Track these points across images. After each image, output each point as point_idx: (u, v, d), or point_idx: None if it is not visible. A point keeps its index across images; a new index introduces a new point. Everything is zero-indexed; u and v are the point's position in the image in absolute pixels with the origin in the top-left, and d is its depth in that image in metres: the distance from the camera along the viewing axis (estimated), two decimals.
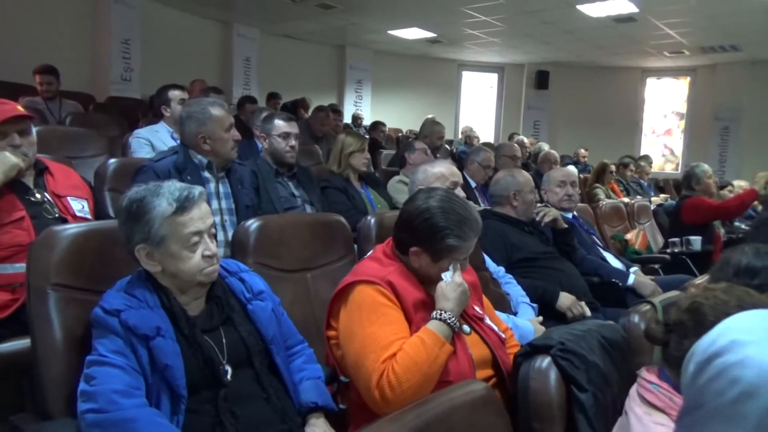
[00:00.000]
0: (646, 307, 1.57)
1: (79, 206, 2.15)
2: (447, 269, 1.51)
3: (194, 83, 6.06)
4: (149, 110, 6.40)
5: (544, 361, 1.23)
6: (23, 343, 1.80)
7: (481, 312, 1.63)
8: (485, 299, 1.75)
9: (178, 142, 3.69)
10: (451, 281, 1.47)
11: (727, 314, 0.66)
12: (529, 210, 2.79)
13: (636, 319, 1.54)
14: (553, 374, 1.21)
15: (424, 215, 1.51)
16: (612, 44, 9.33)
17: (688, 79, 10.93)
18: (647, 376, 1.27)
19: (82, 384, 1.19)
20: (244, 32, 9.23)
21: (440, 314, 1.43)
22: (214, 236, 1.39)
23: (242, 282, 1.46)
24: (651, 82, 11.31)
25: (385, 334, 1.39)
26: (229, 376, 1.29)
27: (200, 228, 1.31)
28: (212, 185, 2.43)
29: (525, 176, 2.84)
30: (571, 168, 5.45)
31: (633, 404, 1.24)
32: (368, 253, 1.72)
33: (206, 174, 2.42)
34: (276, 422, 1.29)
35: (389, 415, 0.91)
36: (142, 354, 1.21)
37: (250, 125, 4.37)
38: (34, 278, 1.41)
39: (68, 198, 2.13)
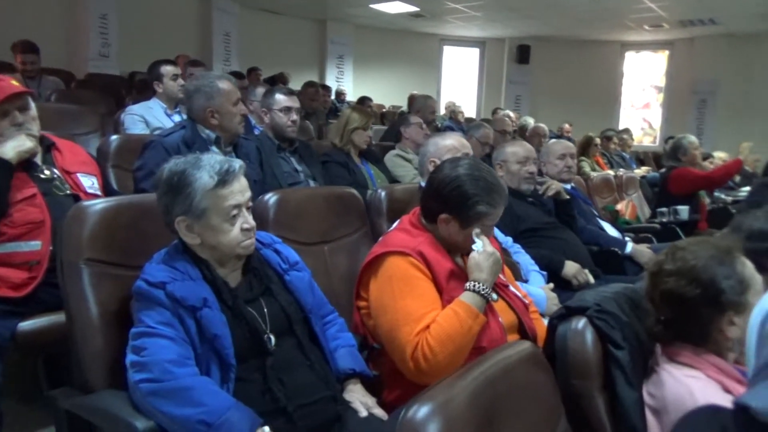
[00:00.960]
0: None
1: (89, 182, 2.12)
2: (473, 237, 1.54)
3: (178, 58, 5.93)
4: (131, 87, 6.27)
5: (580, 322, 1.28)
6: (45, 320, 1.81)
7: (505, 279, 1.67)
8: (505, 267, 1.79)
9: (172, 118, 3.70)
10: (483, 251, 1.50)
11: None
12: (516, 180, 2.79)
13: None
14: (589, 334, 1.26)
15: (454, 183, 1.53)
16: (592, 18, 9.37)
17: (667, 52, 11.07)
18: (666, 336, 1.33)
19: (132, 355, 1.20)
20: (224, 6, 9.04)
21: (474, 285, 1.46)
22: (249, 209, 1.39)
23: (277, 253, 1.48)
24: (630, 56, 11.43)
25: (417, 307, 1.43)
26: (273, 345, 1.31)
27: (240, 201, 1.32)
28: None
29: (514, 148, 2.85)
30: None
31: (662, 362, 1.29)
32: (394, 225, 1.74)
33: (214, 149, 2.40)
34: (321, 388, 1.32)
35: (453, 374, 0.94)
36: (190, 325, 1.22)
37: (242, 100, 4.31)
38: (66, 254, 1.41)
39: (78, 174, 2.10)
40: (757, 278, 1.28)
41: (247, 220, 1.34)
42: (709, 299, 1.22)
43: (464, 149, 2.32)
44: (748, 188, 6.20)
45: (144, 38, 7.58)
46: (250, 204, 1.39)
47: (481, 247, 1.51)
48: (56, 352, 1.98)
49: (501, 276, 1.69)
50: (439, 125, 7.58)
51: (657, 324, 1.32)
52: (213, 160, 1.31)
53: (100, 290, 1.40)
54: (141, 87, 5.47)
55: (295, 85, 7.88)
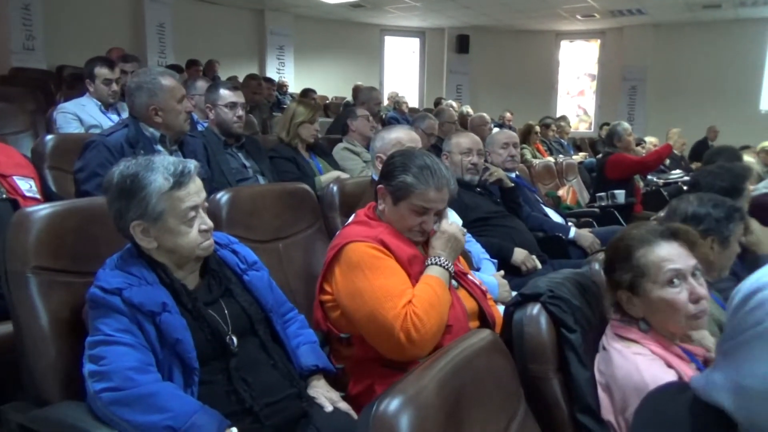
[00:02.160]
0: (603, 255, 1.71)
1: (27, 185, 2.03)
2: (407, 217, 1.60)
3: (111, 52, 5.70)
4: (61, 82, 5.97)
5: (535, 308, 1.33)
6: None
7: (463, 268, 1.72)
8: (461, 257, 1.84)
9: (108, 115, 3.55)
10: (444, 231, 1.58)
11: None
12: (459, 170, 2.83)
13: (597, 266, 1.68)
14: (543, 319, 1.32)
15: (392, 157, 1.65)
16: (528, 8, 9.62)
17: (599, 41, 11.50)
18: (616, 316, 1.41)
19: (90, 365, 1.17)
20: None
21: (435, 260, 1.54)
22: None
23: (235, 254, 1.46)
24: (565, 45, 11.81)
25: (394, 284, 1.47)
26: (235, 346, 1.30)
27: (197, 202, 1.30)
28: None
29: (459, 139, 2.90)
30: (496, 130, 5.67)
31: (610, 341, 1.37)
32: (350, 219, 1.76)
33: (159, 147, 2.33)
34: (286, 386, 1.32)
35: (422, 364, 0.97)
36: (149, 330, 1.20)
37: None
38: (11, 263, 1.35)
39: (14, 177, 2.01)
40: (661, 266, 1.33)
41: (205, 221, 1.33)
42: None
43: (411, 142, 2.34)
44: (678, 171, 6.58)
45: (72, 29, 7.24)
46: (206, 204, 1.37)
47: (441, 227, 1.59)
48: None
49: (459, 264, 1.74)
50: (383, 116, 7.63)
51: (612, 305, 1.41)
52: (166, 161, 1.28)
53: (50, 299, 1.35)
54: (71, 82, 5.21)
55: (226, 73, 7.71)
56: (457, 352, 1.03)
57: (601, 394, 1.32)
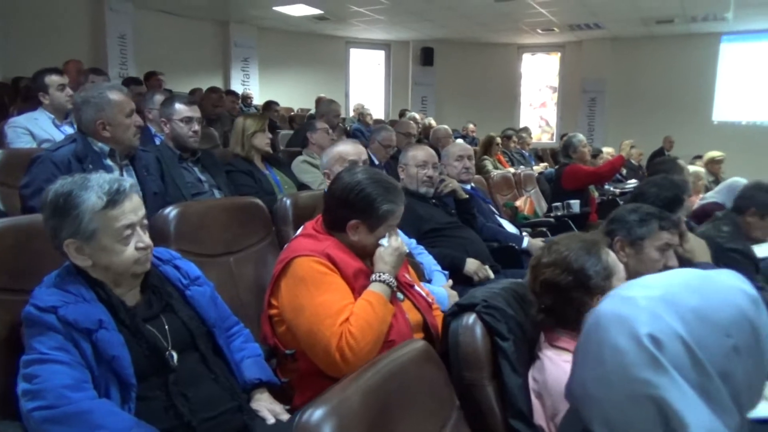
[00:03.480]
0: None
1: None
2: (378, 237, 1.62)
3: (69, 64, 5.58)
4: (17, 95, 5.85)
5: (470, 318, 1.38)
6: None
7: (410, 279, 1.76)
8: (410, 268, 1.88)
9: (62, 129, 3.51)
10: (389, 246, 1.60)
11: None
12: (415, 182, 2.88)
13: None
14: (478, 328, 1.36)
15: (358, 188, 1.61)
16: (490, 21, 9.82)
17: (559, 54, 11.79)
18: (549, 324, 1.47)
19: (23, 384, 1.17)
20: (117, 6, 8.59)
21: (379, 276, 1.56)
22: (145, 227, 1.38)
23: (177, 269, 1.47)
24: (526, 58, 12.06)
25: (334, 301, 1.49)
26: (175, 361, 1.31)
27: (132, 220, 1.31)
28: (116, 174, 2.34)
29: (415, 152, 2.96)
30: (460, 141, 5.77)
31: (544, 349, 1.43)
32: (298, 231, 1.78)
33: (108, 162, 2.32)
34: (226, 400, 1.34)
35: (349, 376, 1.00)
36: (85, 348, 1.20)
37: (141, 109, 4.16)
38: None
39: None
40: (620, 266, 1.44)
41: (142, 238, 1.33)
42: (579, 285, 1.37)
43: (351, 156, 2.37)
44: (634, 181, 6.78)
45: (30, 40, 7.09)
46: (145, 221, 1.37)
47: (386, 242, 1.61)
48: None
49: (407, 276, 1.78)
50: (348, 128, 7.68)
51: (540, 312, 1.45)
52: (102, 179, 1.29)
53: None
54: (27, 94, 5.11)
55: (190, 86, 7.65)
56: (385, 363, 1.07)
57: (534, 401, 1.37)
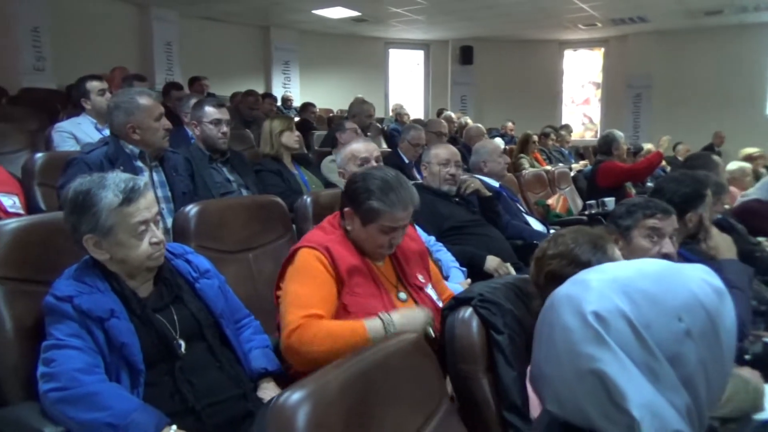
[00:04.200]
0: None
1: (10, 202, 2.15)
2: (376, 237, 1.65)
3: (114, 71, 5.88)
4: (68, 101, 6.16)
5: (467, 312, 1.40)
6: None
7: (423, 281, 1.78)
8: (433, 268, 1.91)
9: (104, 133, 3.69)
10: (421, 311, 1.61)
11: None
12: (437, 180, 2.89)
13: None
14: (474, 322, 1.38)
15: (359, 179, 1.69)
16: (530, 18, 9.68)
17: (602, 49, 11.51)
18: None
19: (42, 367, 1.26)
20: (163, 15, 8.93)
21: (388, 319, 1.53)
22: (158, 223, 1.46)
23: (188, 263, 1.55)
24: (568, 54, 11.83)
25: (310, 294, 1.54)
26: (183, 350, 1.39)
27: (146, 217, 1.39)
28: (146, 175, 2.46)
29: (437, 150, 2.97)
30: (498, 140, 5.73)
31: None
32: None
33: (139, 164, 2.44)
34: (231, 387, 1.41)
35: (332, 363, 1.04)
36: (98, 335, 1.29)
37: (178, 112, 4.33)
38: None
39: None
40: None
41: (155, 234, 1.41)
42: None
43: (362, 153, 2.40)
44: None
45: (81, 50, 7.45)
46: (158, 218, 1.45)
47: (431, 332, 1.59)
48: None
49: (420, 277, 1.80)
50: (385, 128, 7.74)
51: (542, 305, 1.46)
52: (118, 178, 1.37)
53: (15, 307, 1.45)
54: (77, 102, 5.38)
55: (233, 89, 7.86)
56: (369, 353, 1.10)
57: (531, 394, 1.37)
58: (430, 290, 1.84)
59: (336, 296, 1.58)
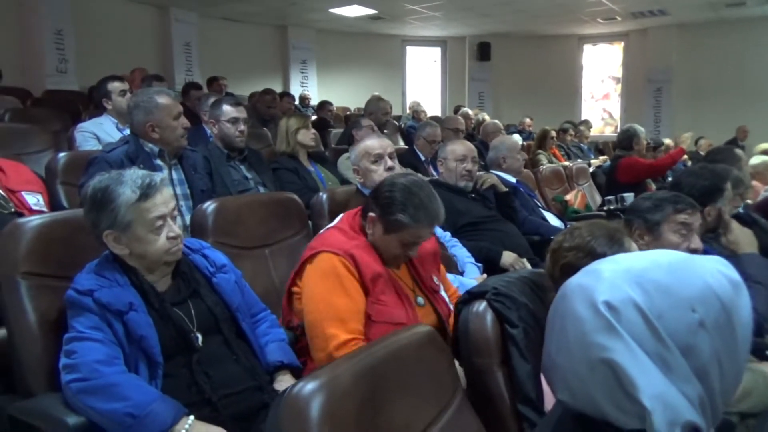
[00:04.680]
0: None
1: (34, 200, 2.20)
2: (394, 247, 1.65)
3: (134, 72, 5.99)
4: (90, 102, 6.28)
5: (481, 305, 1.40)
6: None
7: (438, 283, 1.79)
8: (441, 267, 1.91)
9: (124, 133, 3.75)
10: None
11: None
12: (454, 176, 2.89)
13: None
14: (488, 315, 1.38)
15: (390, 187, 1.66)
16: (548, 13, 9.60)
17: (622, 44, 11.37)
18: None
19: (64, 359, 1.30)
20: (182, 16, 9.04)
21: None
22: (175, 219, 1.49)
23: (205, 258, 1.58)
24: (587, 49, 11.70)
25: (343, 305, 1.55)
26: (200, 342, 1.41)
27: (164, 212, 1.41)
28: (165, 172, 2.50)
29: (454, 146, 2.97)
30: (516, 136, 5.69)
31: None
32: (335, 220, 1.84)
33: (158, 162, 2.48)
34: (246, 379, 1.43)
35: (344, 356, 1.05)
36: (117, 328, 1.32)
37: (197, 111, 4.38)
38: (3, 269, 1.49)
39: (22, 193, 2.18)
40: None
41: (173, 228, 1.44)
42: None
43: (376, 150, 2.40)
44: None
45: (103, 52, 7.57)
46: (176, 213, 1.48)
47: None
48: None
49: (435, 279, 1.80)
50: (403, 125, 7.74)
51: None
52: (135, 175, 1.40)
53: (39, 301, 1.49)
54: (98, 103, 5.48)
55: (251, 89, 7.92)
56: (382, 345, 1.11)
57: (546, 387, 1.37)
58: (443, 292, 1.85)
59: (363, 300, 1.59)
